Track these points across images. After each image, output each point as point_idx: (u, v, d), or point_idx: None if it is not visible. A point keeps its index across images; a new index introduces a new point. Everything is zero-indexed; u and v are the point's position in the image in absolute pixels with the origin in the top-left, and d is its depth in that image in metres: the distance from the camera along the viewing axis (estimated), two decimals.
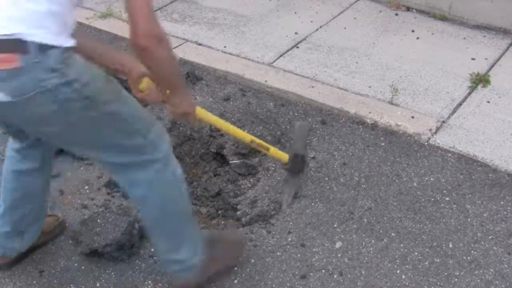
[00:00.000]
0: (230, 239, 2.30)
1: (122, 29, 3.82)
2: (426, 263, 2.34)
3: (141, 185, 1.88)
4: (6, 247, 2.24)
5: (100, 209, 2.52)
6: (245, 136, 2.43)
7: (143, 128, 1.80)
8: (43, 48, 1.49)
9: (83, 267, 2.33)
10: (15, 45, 1.47)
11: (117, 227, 2.31)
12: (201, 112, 2.19)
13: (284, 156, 2.54)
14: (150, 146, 1.83)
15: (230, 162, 2.90)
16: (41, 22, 1.50)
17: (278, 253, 2.38)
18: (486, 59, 3.59)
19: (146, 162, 1.84)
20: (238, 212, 2.64)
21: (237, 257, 2.29)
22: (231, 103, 3.24)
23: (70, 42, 1.56)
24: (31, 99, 1.53)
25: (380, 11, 4.12)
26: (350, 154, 2.88)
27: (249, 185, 2.81)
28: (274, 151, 2.52)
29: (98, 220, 2.35)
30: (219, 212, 2.69)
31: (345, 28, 3.93)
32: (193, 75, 3.41)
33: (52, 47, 1.51)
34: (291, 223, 2.52)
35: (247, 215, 2.61)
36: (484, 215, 2.54)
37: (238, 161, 2.86)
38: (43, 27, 1.50)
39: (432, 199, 2.62)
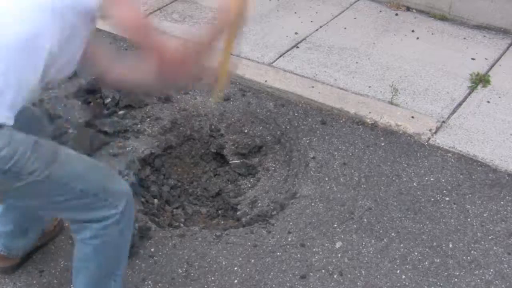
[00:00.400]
0: None
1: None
2: (426, 263, 2.34)
3: (87, 231, 1.80)
4: (11, 247, 2.22)
5: None
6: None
7: (92, 187, 1.71)
8: None
9: None
10: None
11: None
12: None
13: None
14: (104, 202, 1.74)
15: (230, 162, 2.90)
16: None
17: (278, 253, 2.38)
18: (486, 59, 3.59)
19: (99, 218, 1.76)
20: (238, 212, 2.64)
21: None
22: (231, 103, 3.24)
23: None
24: None
25: (380, 11, 4.12)
26: (350, 154, 2.88)
27: (249, 185, 2.82)
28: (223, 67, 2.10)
29: None
30: (219, 212, 2.70)
31: (345, 28, 3.93)
32: None
33: None
34: (291, 223, 2.52)
35: (247, 215, 2.61)
36: (484, 215, 2.54)
37: (238, 161, 2.86)
38: None
39: (432, 199, 2.62)
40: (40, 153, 1.61)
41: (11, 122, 1.55)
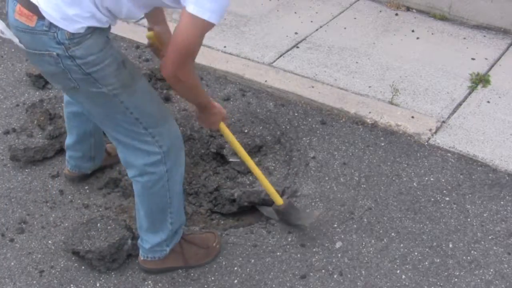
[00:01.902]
0: (204, 244, 2.35)
1: (123, 29, 3.82)
2: (426, 263, 2.34)
3: (133, 169, 2.05)
4: (81, 167, 2.66)
5: (104, 212, 2.51)
6: (250, 162, 2.40)
7: (147, 121, 1.94)
8: (54, 25, 1.72)
9: (83, 267, 2.33)
10: (38, 10, 1.71)
11: (109, 237, 2.29)
12: (223, 129, 2.31)
13: (278, 200, 2.44)
14: (151, 138, 1.97)
15: (230, 160, 2.90)
16: (59, 7, 1.70)
17: (278, 253, 2.38)
18: (486, 59, 3.59)
19: (143, 152, 1.99)
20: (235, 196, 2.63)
21: (202, 261, 2.33)
22: (231, 103, 3.24)
23: (80, 30, 1.73)
24: (40, 56, 1.79)
25: (380, 11, 4.12)
26: (350, 154, 2.88)
27: (248, 183, 2.81)
28: (267, 187, 2.42)
29: (98, 224, 2.34)
30: (217, 208, 2.70)
31: (345, 28, 3.93)
32: None
33: (62, 28, 1.72)
34: None
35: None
36: (484, 215, 2.54)
37: (238, 159, 2.86)
38: (58, 11, 1.71)
39: (432, 199, 2.62)
40: (121, 73, 1.86)
41: (111, 23, 1.84)
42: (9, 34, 1.80)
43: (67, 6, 1.70)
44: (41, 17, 1.71)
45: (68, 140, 2.56)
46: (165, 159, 2.02)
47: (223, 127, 2.30)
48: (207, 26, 1.73)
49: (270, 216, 2.57)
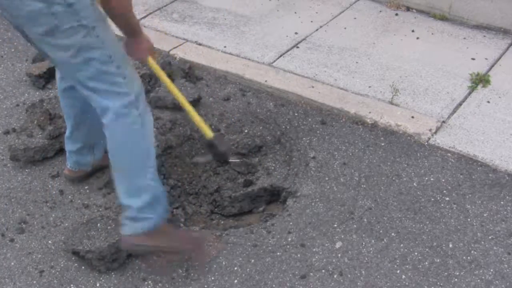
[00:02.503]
0: (192, 237, 2.37)
1: None
2: (426, 263, 2.34)
3: (109, 112, 2.07)
4: (81, 163, 2.64)
5: (104, 212, 2.51)
6: (180, 98, 2.47)
7: (117, 59, 2.02)
8: None
9: (83, 267, 2.33)
10: None
11: (109, 238, 2.29)
12: (152, 63, 2.34)
13: (208, 132, 2.51)
14: (122, 79, 2.04)
15: (230, 160, 2.90)
16: None
17: (278, 253, 2.38)
18: (486, 59, 3.59)
19: (115, 94, 2.04)
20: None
21: (186, 249, 2.31)
22: (231, 103, 3.24)
23: None
24: None
25: (380, 11, 4.12)
26: (350, 154, 2.88)
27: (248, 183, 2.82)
28: (198, 122, 2.51)
29: (98, 224, 2.35)
30: (217, 209, 2.70)
31: (345, 28, 3.93)
32: (193, 75, 3.41)
33: None
34: (291, 223, 2.52)
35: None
36: (484, 215, 2.54)
37: (238, 160, 2.86)
38: None
39: (432, 199, 2.62)
40: (95, 7, 1.95)
41: None
42: None
43: None
44: None
45: (67, 131, 2.57)
46: (137, 102, 2.07)
47: (151, 61, 2.34)
48: None
49: (206, 158, 2.63)
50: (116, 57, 2.02)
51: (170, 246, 2.25)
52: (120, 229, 2.21)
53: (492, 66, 3.53)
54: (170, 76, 3.37)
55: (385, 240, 2.44)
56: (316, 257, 2.36)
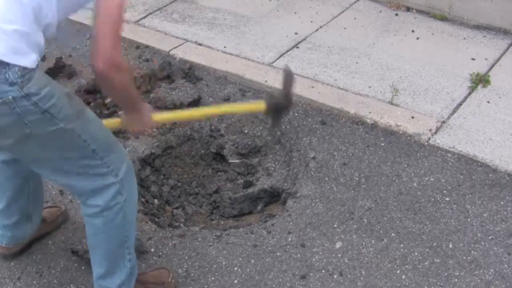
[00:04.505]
0: (159, 281, 2.21)
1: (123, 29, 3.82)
2: (426, 263, 2.34)
3: (95, 208, 1.91)
4: (17, 236, 2.30)
5: None
6: (203, 114, 2.36)
7: (101, 150, 1.82)
8: (3, 64, 1.52)
9: (83, 267, 2.33)
10: None
11: None
12: (157, 118, 2.11)
13: (259, 106, 2.33)
14: (106, 169, 1.84)
15: (230, 161, 2.90)
16: (6, 41, 1.52)
17: (278, 253, 2.38)
18: (486, 59, 3.59)
19: (102, 188, 1.87)
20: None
21: None
22: (231, 103, 3.24)
23: (32, 62, 1.57)
24: None
25: (380, 11, 4.12)
26: (350, 154, 2.88)
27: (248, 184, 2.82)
28: (241, 108, 2.39)
29: None
30: (216, 210, 2.70)
31: (345, 28, 3.93)
32: (193, 75, 3.41)
33: (14, 65, 1.53)
34: (291, 223, 2.52)
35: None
36: (484, 215, 2.54)
37: (238, 160, 2.86)
38: (3, 45, 1.52)
39: (432, 199, 2.62)
40: (73, 102, 1.72)
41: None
42: None
43: (15, 37, 1.52)
44: None
45: (1, 204, 2.20)
46: (122, 188, 1.89)
47: (158, 116, 2.11)
48: None
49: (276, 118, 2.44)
50: (99, 148, 1.81)
51: None
52: None
53: (492, 66, 3.53)
54: (170, 76, 3.39)
55: (385, 240, 2.44)
56: (316, 257, 2.36)
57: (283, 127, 3.05)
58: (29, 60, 1.56)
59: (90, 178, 1.84)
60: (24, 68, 1.55)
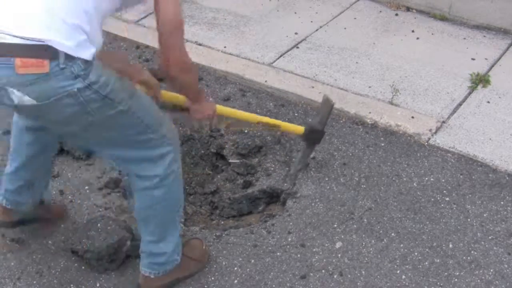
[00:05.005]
0: (195, 247, 2.33)
1: (123, 29, 3.82)
2: (426, 263, 2.34)
3: (155, 178, 1.99)
4: (18, 202, 2.35)
5: (104, 212, 2.51)
6: (254, 118, 2.54)
7: (154, 124, 1.92)
8: (69, 57, 1.61)
9: (83, 267, 2.33)
10: (46, 51, 1.58)
11: (108, 238, 2.28)
12: (220, 108, 2.32)
13: (299, 129, 2.61)
14: (161, 140, 1.95)
15: (230, 161, 2.90)
16: (71, 34, 1.62)
17: (278, 253, 2.38)
18: (486, 59, 3.59)
19: (158, 157, 1.97)
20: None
21: (199, 266, 2.31)
22: (231, 103, 3.24)
23: (92, 55, 1.68)
24: (56, 102, 1.65)
25: (380, 11, 4.12)
26: (350, 154, 2.88)
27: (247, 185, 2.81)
28: (285, 126, 2.62)
29: (98, 224, 2.34)
30: (217, 211, 2.70)
31: (345, 28, 3.93)
32: None
33: (77, 58, 1.63)
34: (291, 223, 2.52)
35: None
36: (484, 215, 2.54)
37: (238, 161, 2.86)
38: (72, 39, 1.61)
39: (432, 199, 2.62)
40: (124, 85, 1.83)
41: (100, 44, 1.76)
42: (20, 99, 1.64)
43: (76, 31, 1.63)
44: (53, 58, 1.58)
45: (11, 167, 2.28)
46: (176, 155, 2.02)
47: (220, 108, 2.32)
48: None
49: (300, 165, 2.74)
50: (152, 123, 1.91)
51: (190, 273, 2.28)
52: (141, 271, 2.20)
53: (492, 66, 3.53)
54: None
55: (385, 240, 2.44)
56: (316, 257, 2.36)
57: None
58: (90, 53, 1.66)
59: (148, 150, 1.94)
60: (86, 61, 1.65)
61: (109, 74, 1.76)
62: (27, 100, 1.64)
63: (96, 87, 1.69)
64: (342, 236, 2.45)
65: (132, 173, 2.02)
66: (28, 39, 1.56)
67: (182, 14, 1.80)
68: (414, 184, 2.70)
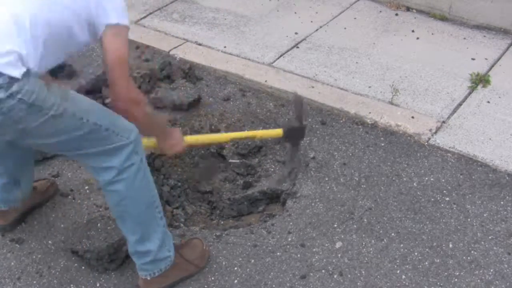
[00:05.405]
0: (195, 247, 2.32)
1: None
2: (426, 263, 2.34)
3: (112, 171, 1.98)
4: (9, 200, 2.40)
5: (104, 212, 2.51)
6: (226, 138, 2.52)
7: (103, 120, 1.92)
8: None
9: (83, 267, 2.33)
10: None
11: (108, 238, 2.28)
12: (189, 139, 2.32)
13: (277, 132, 2.53)
14: (115, 136, 1.95)
15: (230, 161, 2.90)
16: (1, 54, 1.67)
17: (278, 253, 2.38)
18: (486, 59, 3.59)
19: (115, 150, 1.95)
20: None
21: (200, 266, 2.31)
22: (231, 103, 3.24)
23: (21, 74, 1.70)
24: None
25: (380, 11, 4.12)
26: (350, 154, 2.88)
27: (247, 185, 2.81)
28: (262, 134, 2.63)
29: (98, 224, 2.34)
30: (217, 211, 2.70)
31: (345, 28, 3.93)
32: (193, 75, 3.41)
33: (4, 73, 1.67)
34: (291, 223, 2.52)
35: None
36: (484, 215, 2.54)
37: (238, 161, 2.86)
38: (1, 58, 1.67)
39: (432, 199, 2.62)
40: (54, 90, 1.81)
41: (36, 69, 1.77)
42: None
43: (9, 53, 1.68)
44: None
45: None
46: (136, 148, 1.99)
47: (189, 138, 2.33)
48: (127, 30, 1.87)
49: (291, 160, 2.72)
50: (101, 120, 1.91)
51: (190, 273, 2.28)
52: (139, 275, 2.20)
53: (492, 66, 3.53)
54: (170, 76, 3.39)
55: (385, 240, 2.44)
56: (316, 257, 2.36)
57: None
58: (19, 71, 1.69)
59: (103, 145, 1.93)
60: (12, 77, 1.69)
61: (35, 82, 1.75)
62: None
63: (20, 96, 1.71)
64: (342, 236, 2.45)
65: (90, 167, 2.02)
66: None
67: (127, 51, 1.87)
68: (414, 184, 2.70)
